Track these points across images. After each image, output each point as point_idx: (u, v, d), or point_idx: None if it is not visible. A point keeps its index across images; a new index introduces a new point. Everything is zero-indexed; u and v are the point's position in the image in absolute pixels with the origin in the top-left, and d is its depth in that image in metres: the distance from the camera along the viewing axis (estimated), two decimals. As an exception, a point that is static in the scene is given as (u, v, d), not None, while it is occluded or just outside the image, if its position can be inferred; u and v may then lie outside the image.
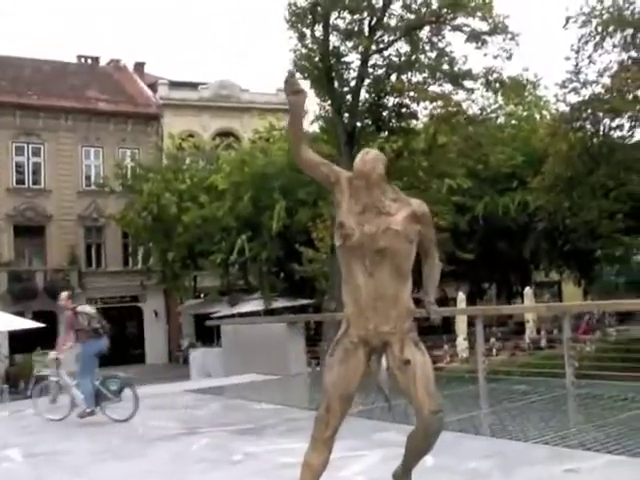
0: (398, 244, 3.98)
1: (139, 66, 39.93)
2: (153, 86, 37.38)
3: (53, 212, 33.21)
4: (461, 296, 21.76)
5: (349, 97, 20.56)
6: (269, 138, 30.13)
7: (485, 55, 20.39)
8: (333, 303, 18.43)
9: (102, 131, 34.50)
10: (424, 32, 20.62)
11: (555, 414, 7.51)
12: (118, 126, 34.93)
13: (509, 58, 20.15)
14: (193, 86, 37.58)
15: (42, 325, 22.82)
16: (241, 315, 26.19)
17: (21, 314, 26.81)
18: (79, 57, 39.33)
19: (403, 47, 20.74)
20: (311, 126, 24.72)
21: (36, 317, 26.53)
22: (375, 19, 20.15)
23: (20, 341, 25.66)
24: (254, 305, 27.83)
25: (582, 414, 7.73)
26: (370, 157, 4.16)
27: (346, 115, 20.51)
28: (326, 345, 12.44)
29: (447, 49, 20.47)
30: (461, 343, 18.47)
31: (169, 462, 6.50)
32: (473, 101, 21.74)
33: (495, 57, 20.22)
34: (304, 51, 20.26)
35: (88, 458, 6.91)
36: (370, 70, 20.60)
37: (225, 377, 14.69)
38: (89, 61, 39.45)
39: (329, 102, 20.83)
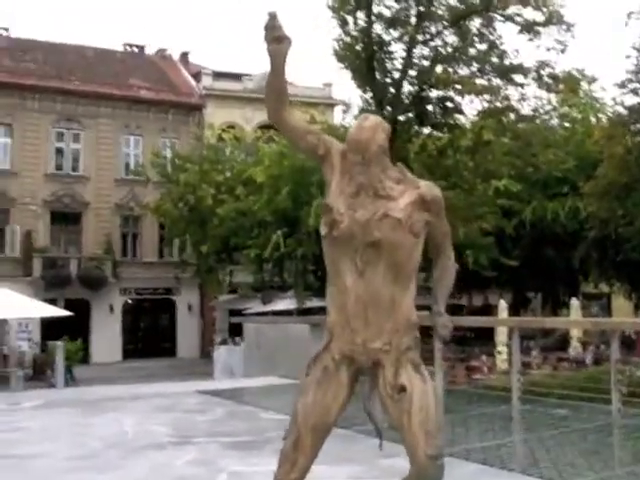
0: (398, 236, 3.08)
1: (184, 56, 39.58)
2: (197, 76, 36.92)
3: (90, 200, 32.91)
4: (502, 304, 20.46)
5: (391, 89, 19.57)
6: (311, 132, 29.23)
7: (538, 47, 19.22)
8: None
9: (143, 119, 34.08)
10: (474, 23, 19.54)
11: (598, 448, 6.49)
12: (159, 115, 34.47)
13: (563, 51, 18.94)
14: (237, 77, 37.03)
15: (70, 314, 22.32)
16: (274, 313, 25.48)
17: (53, 301, 26.57)
18: (125, 45, 39.12)
19: (450, 38, 19.70)
20: (354, 121, 23.88)
21: (69, 305, 26.27)
22: (422, 8, 19.14)
23: (54, 328, 25.40)
24: (287, 303, 27.02)
25: (629, 451, 6.66)
26: (369, 124, 3.28)
27: (388, 108, 19.52)
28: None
29: (498, 42, 19.39)
30: (499, 355, 17.29)
31: (145, 478, 5.74)
32: (525, 100, 20.55)
33: (548, 50, 19.02)
34: (346, 39, 19.36)
35: (62, 464, 6.29)
36: (415, 61, 19.59)
37: (244, 378, 14.01)
38: (135, 49, 39.22)
39: (370, 94, 19.88)
